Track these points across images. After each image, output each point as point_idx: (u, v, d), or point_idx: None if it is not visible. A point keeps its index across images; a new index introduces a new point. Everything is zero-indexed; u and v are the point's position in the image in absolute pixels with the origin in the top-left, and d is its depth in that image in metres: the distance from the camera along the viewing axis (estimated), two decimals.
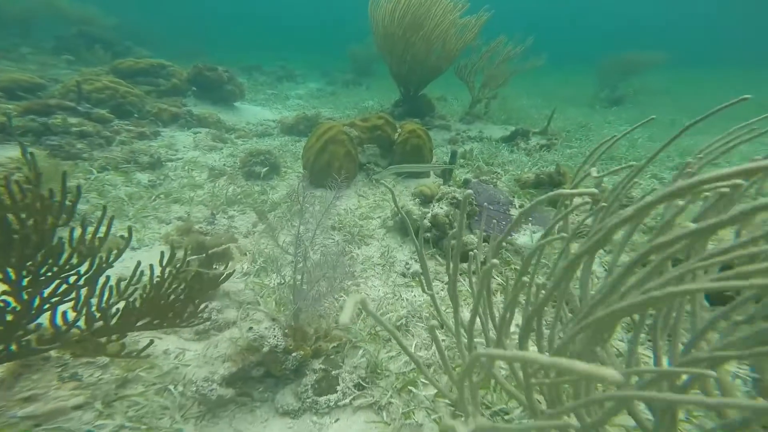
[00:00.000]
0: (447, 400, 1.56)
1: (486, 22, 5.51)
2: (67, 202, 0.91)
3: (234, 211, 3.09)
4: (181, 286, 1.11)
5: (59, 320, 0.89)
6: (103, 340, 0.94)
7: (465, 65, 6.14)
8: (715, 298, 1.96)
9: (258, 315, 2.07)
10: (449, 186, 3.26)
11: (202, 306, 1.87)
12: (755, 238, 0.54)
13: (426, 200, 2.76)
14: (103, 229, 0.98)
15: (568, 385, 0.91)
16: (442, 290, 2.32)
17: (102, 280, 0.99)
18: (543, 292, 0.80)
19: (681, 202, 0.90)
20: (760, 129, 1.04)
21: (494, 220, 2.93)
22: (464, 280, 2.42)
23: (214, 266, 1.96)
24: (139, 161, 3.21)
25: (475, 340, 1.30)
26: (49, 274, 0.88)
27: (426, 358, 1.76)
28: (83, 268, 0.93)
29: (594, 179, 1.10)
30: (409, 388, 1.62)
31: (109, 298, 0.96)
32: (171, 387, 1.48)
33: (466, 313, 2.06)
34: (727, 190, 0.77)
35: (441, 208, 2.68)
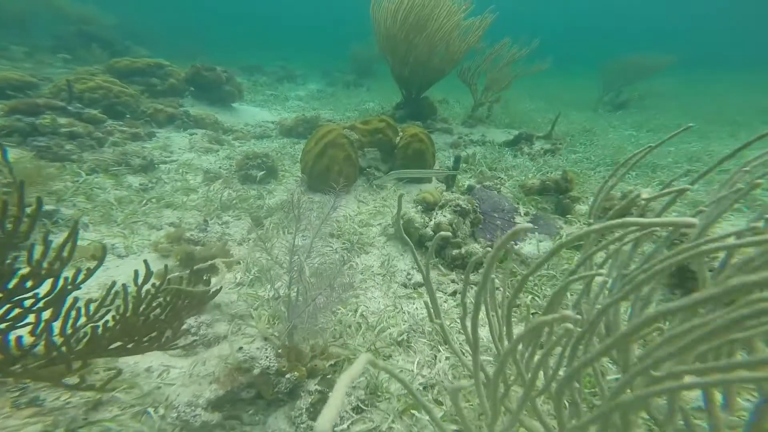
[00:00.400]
0: (454, 426, 1.45)
1: (490, 24, 5.42)
2: (25, 218, 0.80)
3: (229, 216, 2.98)
4: (161, 306, 1.00)
5: (13, 346, 0.78)
6: (66, 366, 0.83)
7: (468, 68, 6.05)
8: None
9: (250, 329, 1.96)
10: (452, 192, 3.15)
11: (191, 321, 1.76)
12: None
13: (428, 207, 2.66)
14: (68, 246, 0.86)
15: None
16: (445, 302, 2.21)
17: (69, 301, 0.88)
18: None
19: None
20: None
21: (498, 231, 2.82)
22: (468, 291, 2.31)
23: (204, 277, 1.84)
24: (131, 163, 3.10)
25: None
26: None
27: (430, 377, 1.65)
28: (45, 289, 0.82)
29: (644, 201, 0.99)
30: (412, 411, 1.51)
31: (75, 321, 0.85)
32: (150, 410, 1.37)
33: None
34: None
35: (444, 216, 2.58)
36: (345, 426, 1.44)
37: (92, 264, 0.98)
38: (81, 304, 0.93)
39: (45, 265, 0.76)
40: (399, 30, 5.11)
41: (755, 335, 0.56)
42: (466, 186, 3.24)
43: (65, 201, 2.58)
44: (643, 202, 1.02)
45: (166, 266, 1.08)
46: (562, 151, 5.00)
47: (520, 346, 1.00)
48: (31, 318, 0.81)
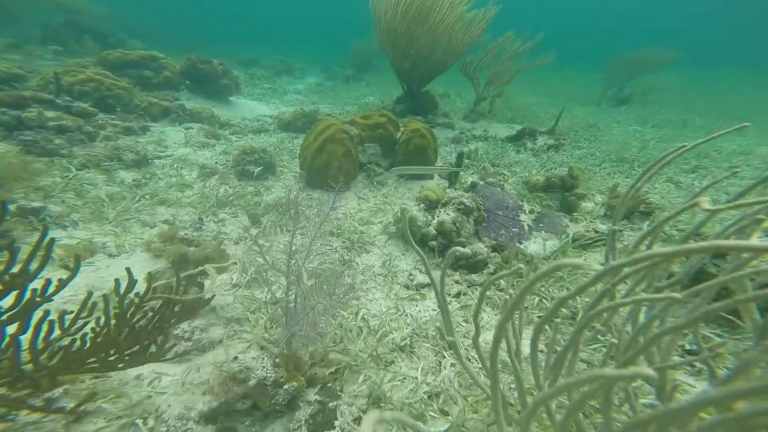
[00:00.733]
0: None
1: (494, 16, 5.28)
2: None
3: (225, 213, 2.88)
4: (147, 316, 0.91)
5: None
6: (33, 386, 0.75)
7: (471, 61, 5.91)
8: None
9: (247, 334, 1.87)
10: (455, 190, 3.06)
11: (184, 326, 1.67)
12: None
13: (431, 205, 2.57)
14: (41, 253, 0.77)
15: None
16: (449, 305, 2.13)
17: (39, 313, 0.79)
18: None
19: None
20: None
21: (503, 230, 2.73)
22: (472, 292, 2.23)
23: (199, 279, 1.76)
24: (124, 158, 2.98)
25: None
26: None
27: (434, 385, 1.57)
28: (10, 302, 0.73)
29: (706, 212, 0.90)
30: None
31: (48, 335, 0.76)
32: (139, 422, 1.29)
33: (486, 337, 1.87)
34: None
35: (447, 214, 2.49)
36: None
37: (83, 262, 0.89)
38: (62, 314, 0.84)
39: (7, 276, 0.67)
40: (400, 22, 4.96)
41: None
42: (469, 183, 3.14)
43: (53, 197, 2.47)
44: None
45: (149, 274, 0.99)
46: (566, 146, 4.90)
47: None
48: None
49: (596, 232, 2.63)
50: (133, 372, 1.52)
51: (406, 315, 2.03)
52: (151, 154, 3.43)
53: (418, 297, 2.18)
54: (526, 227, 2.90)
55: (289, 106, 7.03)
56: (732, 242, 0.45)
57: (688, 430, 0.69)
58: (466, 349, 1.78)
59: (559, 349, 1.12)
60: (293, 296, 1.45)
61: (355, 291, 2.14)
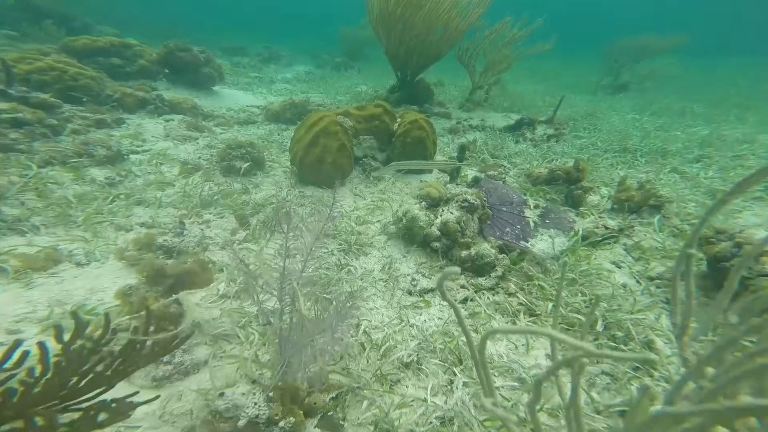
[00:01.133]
0: None
1: (492, 1, 5.01)
2: None
3: (210, 214, 2.65)
4: (105, 361, 0.72)
5: None
6: None
7: (467, 48, 5.66)
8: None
9: (237, 351, 1.69)
10: (457, 185, 2.89)
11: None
12: None
13: (433, 203, 2.39)
14: None
15: None
16: (450, 312, 1.98)
17: None
18: None
19: None
20: None
21: (508, 228, 2.58)
22: (480, 298, 2.09)
23: (179, 295, 1.55)
24: (95, 154, 2.71)
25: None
26: None
27: (447, 409, 1.42)
28: None
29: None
30: None
31: None
32: None
33: (492, 347, 1.72)
34: None
35: (451, 213, 2.31)
36: None
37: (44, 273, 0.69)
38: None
39: None
40: (394, 6, 4.66)
41: None
42: (471, 177, 2.97)
43: (8, 199, 2.20)
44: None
45: (107, 315, 0.80)
46: (566, 136, 4.75)
47: None
48: None
49: (606, 228, 2.51)
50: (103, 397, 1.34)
51: (411, 326, 1.88)
52: (127, 149, 3.14)
53: (423, 304, 2.03)
54: (532, 224, 2.76)
55: (278, 96, 6.68)
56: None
57: None
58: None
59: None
60: (288, 321, 1.27)
61: (357, 309, 1.97)
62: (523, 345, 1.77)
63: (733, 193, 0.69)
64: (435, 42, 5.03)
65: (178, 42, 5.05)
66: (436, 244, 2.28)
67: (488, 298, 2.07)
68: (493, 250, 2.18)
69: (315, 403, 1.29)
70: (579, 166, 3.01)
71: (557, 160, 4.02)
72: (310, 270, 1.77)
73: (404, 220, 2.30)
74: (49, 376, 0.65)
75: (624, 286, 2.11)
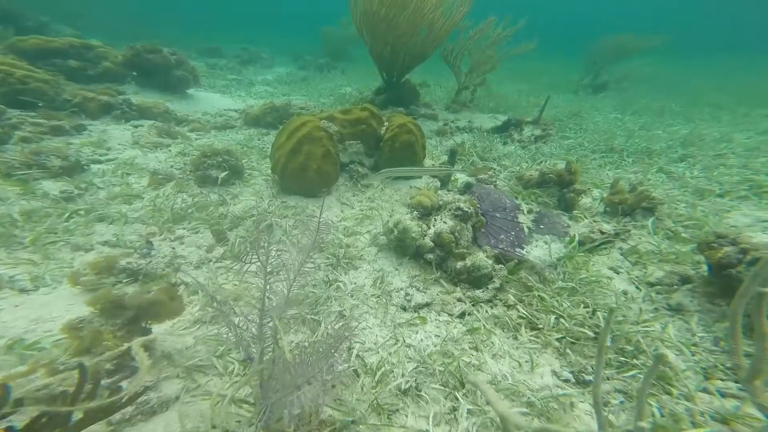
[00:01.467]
0: None
1: (475, 0, 4.96)
2: None
3: (183, 229, 2.43)
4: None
5: None
6: None
7: (452, 48, 5.60)
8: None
9: (214, 383, 1.50)
10: (449, 191, 2.78)
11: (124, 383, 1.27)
12: None
13: (425, 212, 2.26)
14: None
15: None
16: (454, 328, 1.85)
17: None
18: None
19: None
20: None
21: (502, 235, 2.48)
22: (478, 311, 1.97)
23: (145, 324, 1.35)
24: (48, 165, 2.42)
25: None
26: None
27: None
28: None
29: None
30: None
31: None
32: None
33: (496, 366, 1.59)
34: None
35: (444, 222, 2.19)
36: None
37: None
38: None
39: None
40: (378, 6, 4.53)
41: None
42: (463, 183, 2.86)
43: None
44: None
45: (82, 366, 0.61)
46: (553, 137, 4.75)
47: None
48: None
49: (602, 233, 2.45)
50: None
51: (407, 346, 1.74)
52: (88, 159, 2.86)
53: (418, 321, 1.89)
54: (526, 229, 2.67)
55: (258, 99, 6.42)
56: None
57: None
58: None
59: None
60: (270, 362, 1.10)
61: (347, 323, 1.81)
62: (527, 362, 1.66)
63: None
64: (420, 42, 4.93)
65: (146, 43, 4.72)
66: (430, 256, 2.15)
67: (486, 311, 1.96)
68: (490, 261, 2.07)
69: None
70: (571, 168, 2.95)
71: (546, 161, 3.98)
72: (295, 289, 1.60)
73: (395, 232, 2.16)
74: None
75: (625, 293, 2.04)
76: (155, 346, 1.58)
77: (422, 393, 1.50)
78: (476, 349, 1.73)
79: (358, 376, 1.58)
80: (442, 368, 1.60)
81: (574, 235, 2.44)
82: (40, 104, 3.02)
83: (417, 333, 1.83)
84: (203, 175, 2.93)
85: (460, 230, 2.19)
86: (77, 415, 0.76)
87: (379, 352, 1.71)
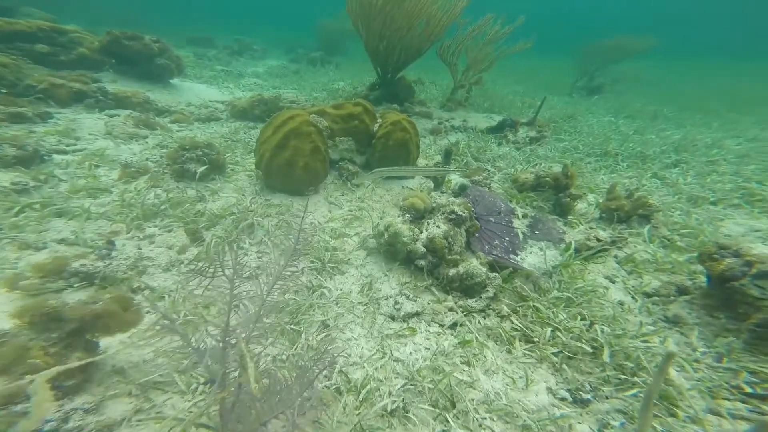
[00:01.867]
0: None
1: None
2: None
3: (155, 227, 2.24)
4: None
5: None
6: None
7: (449, 45, 5.47)
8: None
9: (173, 403, 1.34)
10: (442, 193, 2.65)
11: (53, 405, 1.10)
12: None
13: (417, 215, 2.13)
14: None
15: None
16: (445, 340, 1.73)
17: None
18: None
19: None
20: None
21: (496, 240, 2.37)
22: (470, 322, 1.86)
23: (91, 337, 1.19)
24: (0, 155, 2.19)
25: None
26: None
27: None
28: None
29: None
30: None
31: None
32: None
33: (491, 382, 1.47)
34: None
35: (437, 226, 2.07)
36: None
37: None
38: None
39: None
40: None
41: None
42: (457, 185, 2.75)
43: None
44: None
45: None
46: (548, 139, 4.68)
47: None
48: None
49: (598, 240, 2.36)
50: None
51: (395, 360, 1.61)
52: (50, 149, 2.62)
53: (407, 332, 1.77)
54: (521, 235, 2.57)
55: (246, 91, 6.18)
56: None
57: None
58: (475, 409, 1.38)
59: None
60: (234, 388, 0.95)
61: (329, 333, 1.67)
62: (521, 378, 1.56)
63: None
64: (417, 37, 4.79)
65: (129, 29, 4.44)
66: (422, 262, 2.02)
67: (479, 322, 1.85)
68: (484, 269, 1.95)
69: None
70: (568, 172, 2.87)
71: (541, 164, 3.90)
72: (275, 295, 1.45)
73: (386, 235, 2.03)
74: None
75: (621, 303, 1.96)
76: (105, 360, 1.41)
77: (410, 415, 1.37)
78: (468, 363, 1.61)
79: (340, 394, 1.45)
80: (431, 386, 1.47)
81: (570, 242, 2.35)
82: (2, 90, 2.75)
83: (406, 345, 1.71)
84: (181, 169, 2.73)
85: (453, 235, 2.07)
86: None
87: (364, 367, 1.58)
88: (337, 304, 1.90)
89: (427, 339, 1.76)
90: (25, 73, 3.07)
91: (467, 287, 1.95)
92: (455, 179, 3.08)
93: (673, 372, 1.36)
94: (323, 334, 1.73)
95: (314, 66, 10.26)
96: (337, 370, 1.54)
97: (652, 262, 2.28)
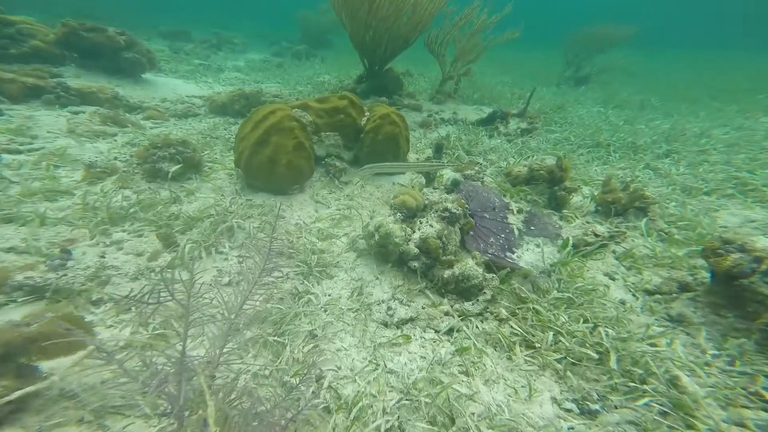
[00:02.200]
0: None
1: None
2: None
3: (124, 232, 2.04)
4: None
5: None
6: None
7: (436, 35, 5.31)
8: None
9: (132, 430, 1.18)
10: (434, 189, 2.53)
11: None
12: None
13: (409, 214, 2.00)
14: None
15: None
16: (441, 346, 1.62)
17: None
18: None
19: None
20: None
21: (492, 237, 2.26)
22: (467, 327, 1.75)
23: (28, 361, 1.02)
24: None
25: None
26: None
27: None
28: None
29: None
30: None
31: None
32: None
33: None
34: None
35: (431, 225, 1.94)
36: None
37: None
38: None
39: None
40: None
41: None
42: (450, 180, 2.62)
43: None
44: None
45: None
46: (539, 130, 4.60)
47: None
48: None
49: (596, 235, 2.28)
50: None
51: (389, 372, 1.49)
52: (1, 148, 2.37)
53: (401, 340, 1.64)
54: (516, 231, 2.47)
55: (227, 86, 5.89)
56: None
57: None
58: (477, 425, 1.27)
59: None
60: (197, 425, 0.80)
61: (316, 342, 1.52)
62: (523, 387, 1.45)
63: None
64: (403, 26, 4.61)
65: (84, 21, 4.08)
66: (415, 264, 1.89)
67: (477, 326, 1.74)
68: (480, 270, 1.84)
69: None
70: (562, 164, 2.78)
71: (533, 156, 3.82)
72: (257, 301, 1.30)
73: (377, 236, 1.89)
74: None
75: (623, 302, 1.88)
76: (53, 384, 1.23)
77: None
78: (467, 373, 1.50)
79: (329, 413, 1.32)
80: (428, 400, 1.36)
81: (568, 238, 2.26)
82: None
83: (400, 355, 1.58)
84: (153, 169, 2.52)
85: (447, 234, 1.95)
86: None
87: (356, 381, 1.45)
88: (325, 311, 1.76)
89: (423, 347, 1.64)
90: None
91: (463, 289, 1.84)
92: (447, 174, 2.96)
93: (684, 377, 1.27)
94: (310, 346, 1.59)
95: (299, 59, 9.94)
96: (325, 385, 1.41)
97: (651, 257, 2.21)
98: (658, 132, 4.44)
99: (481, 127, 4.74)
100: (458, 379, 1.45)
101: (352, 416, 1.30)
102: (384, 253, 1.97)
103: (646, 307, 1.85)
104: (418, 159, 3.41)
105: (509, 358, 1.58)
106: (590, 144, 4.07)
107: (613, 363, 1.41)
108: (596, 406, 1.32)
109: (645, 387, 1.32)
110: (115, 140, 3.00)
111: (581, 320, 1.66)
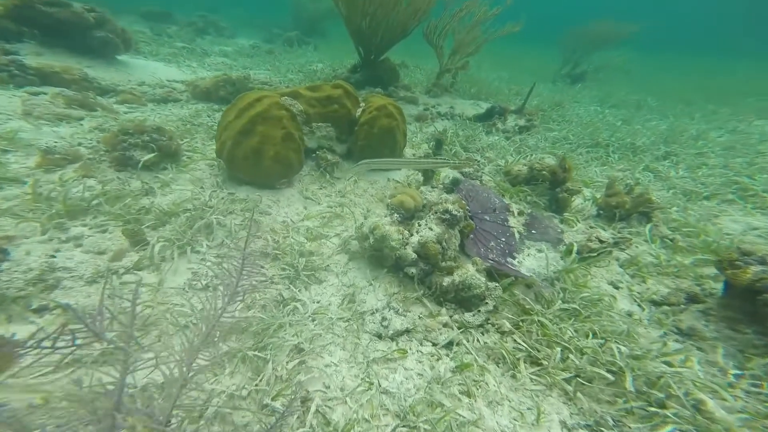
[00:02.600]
0: None
1: None
2: None
3: (83, 226, 1.81)
4: None
5: None
6: None
7: (435, 26, 5.10)
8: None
9: None
10: (433, 188, 2.36)
11: None
12: None
13: (407, 215, 1.83)
14: None
15: None
16: (438, 360, 1.47)
17: None
18: None
19: None
20: None
21: (492, 241, 2.12)
22: (468, 340, 1.61)
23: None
24: None
25: None
26: None
27: None
28: None
29: None
30: None
31: None
32: None
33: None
34: None
35: (430, 228, 1.78)
36: None
37: None
38: None
39: None
40: None
41: None
42: (449, 178, 2.46)
43: None
44: None
45: None
46: (537, 128, 4.49)
47: None
48: None
49: (600, 241, 2.17)
50: None
51: (383, 392, 1.33)
52: None
53: (397, 354, 1.49)
54: (517, 235, 2.34)
55: (212, 71, 5.54)
56: None
57: None
58: None
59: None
60: None
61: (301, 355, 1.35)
62: (530, 409, 1.33)
63: None
64: (402, 13, 4.38)
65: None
66: (412, 270, 1.73)
67: (477, 339, 1.60)
68: (482, 278, 1.70)
69: None
70: (565, 165, 2.65)
71: (532, 155, 3.70)
72: (236, 310, 1.13)
73: (371, 239, 1.72)
74: None
75: (629, 314, 1.78)
76: None
77: None
78: (468, 393, 1.36)
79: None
80: (428, 427, 1.21)
81: (572, 244, 2.14)
82: None
83: (396, 372, 1.43)
84: (122, 157, 2.27)
85: (447, 238, 1.79)
86: None
87: (346, 403, 1.29)
88: (313, 320, 1.58)
89: (420, 362, 1.49)
90: None
91: (463, 299, 1.69)
92: (446, 171, 2.80)
93: (710, 402, 1.16)
94: (296, 361, 1.42)
95: (291, 46, 9.54)
96: (312, 410, 1.24)
97: (656, 265, 2.12)
98: (656, 133, 4.39)
99: (478, 123, 4.59)
100: (460, 404, 1.31)
101: None
102: (379, 257, 1.80)
103: (653, 320, 1.75)
104: (414, 154, 3.23)
105: (513, 376, 1.45)
106: (589, 143, 3.98)
107: (628, 384, 1.29)
108: None
109: (665, 412, 1.21)
110: (81, 125, 2.71)
111: (590, 335, 1.54)
